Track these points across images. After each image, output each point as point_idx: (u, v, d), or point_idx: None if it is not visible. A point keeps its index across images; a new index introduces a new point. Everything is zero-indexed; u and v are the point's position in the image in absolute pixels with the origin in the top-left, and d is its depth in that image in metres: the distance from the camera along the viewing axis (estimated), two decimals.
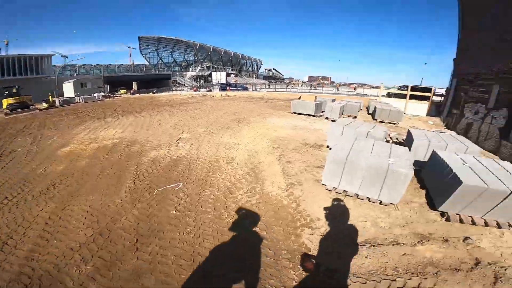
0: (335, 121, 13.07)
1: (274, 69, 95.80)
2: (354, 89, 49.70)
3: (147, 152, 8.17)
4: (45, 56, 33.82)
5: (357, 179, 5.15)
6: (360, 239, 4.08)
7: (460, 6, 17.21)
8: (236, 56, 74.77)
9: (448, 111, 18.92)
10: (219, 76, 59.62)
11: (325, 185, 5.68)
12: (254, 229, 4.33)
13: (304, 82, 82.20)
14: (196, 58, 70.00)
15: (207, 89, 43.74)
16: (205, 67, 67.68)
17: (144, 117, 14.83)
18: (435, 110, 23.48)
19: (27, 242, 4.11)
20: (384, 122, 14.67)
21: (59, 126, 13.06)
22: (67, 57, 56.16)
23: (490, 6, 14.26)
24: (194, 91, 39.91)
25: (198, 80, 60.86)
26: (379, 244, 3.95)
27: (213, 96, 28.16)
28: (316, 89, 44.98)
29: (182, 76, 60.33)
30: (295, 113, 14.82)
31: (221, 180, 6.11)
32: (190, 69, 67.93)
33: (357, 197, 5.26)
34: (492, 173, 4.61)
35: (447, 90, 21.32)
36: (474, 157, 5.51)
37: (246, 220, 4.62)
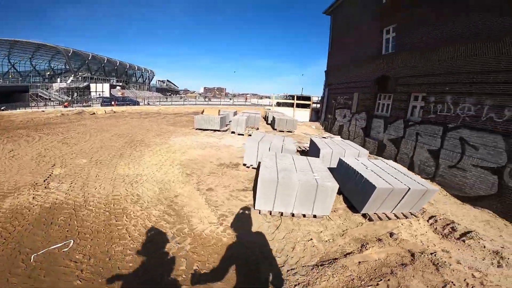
0: (242, 134, 12.97)
1: (168, 80, 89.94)
2: (246, 99, 53.67)
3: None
4: None
5: (291, 198, 5.07)
6: (317, 259, 4.02)
7: (331, 30, 21.06)
8: (123, 65, 64.98)
9: (324, 116, 22.50)
10: (100, 89, 49.71)
11: (259, 210, 5.20)
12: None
13: (200, 94, 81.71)
14: (67, 67, 55.69)
15: (85, 104, 35.33)
16: (80, 77, 54.89)
17: None
18: (315, 115, 27.99)
19: None
20: (283, 131, 15.94)
21: None
22: None
23: (346, 34, 18.26)
24: (65, 106, 31.12)
25: (71, 93, 48.37)
26: (334, 259, 3.97)
27: (93, 113, 22.59)
28: (210, 100, 45.14)
29: (47, 88, 46.28)
30: (199, 129, 13.70)
31: (132, 228, 4.54)
32: (59, 79, 53.16)
33: (292, 216, 5.20)
34: (389, 174, 5.32)
35: (322, 98, 25.65)
36: (368, 160, 6.35)
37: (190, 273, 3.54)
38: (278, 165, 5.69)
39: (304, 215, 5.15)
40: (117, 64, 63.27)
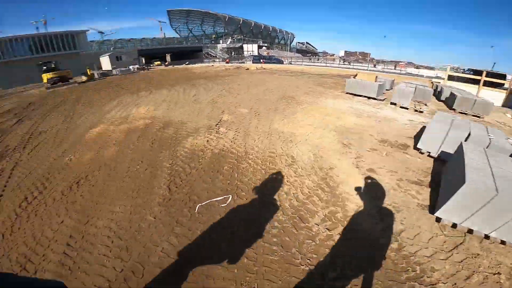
0: (406, 108, 10.59)
1: (307, 42, 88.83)
2: (401, 67, 43.16)
3: (183, 140, 6.77)
4: (80, 33, 34.30)
5: (503, 219, 3.38)
6: None
7: None
8: (267, 28, 69.96)
9: None
10: (250, 49, 56.66)
11: (440, 218, 3.84)
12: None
13: (340, 57, 75.47)
14: (226, 31, 66.96)
15: (240, 61, 41.30)
16: (235, 39, 64.66)
17: (178, 91, 13.57)
18: None
19: (47, 269, 3.12)
20: (466, 114, 11.68)
21: (93, 101, 12.37)
22: (103, 33, 57.32)
23: None
24: (227, 63, 37.90)
25: (230, 52, 58.51)
26: None
27: (247, 69, 25.99)
28: (350, 64, 39.95)
29: (213, 48, 58.31)
30: (350, 93, 12.35)
31: (284, 196, 4.45)
32: (221, 41, 65.23)
33: (486, 238, 3.61)
34: None
35: None
36: None
37: (327, 267, 3.05)
38: (493, 168, 3.87)
39: (503, 242, 3.51)
40: (262, 28, 68.49)
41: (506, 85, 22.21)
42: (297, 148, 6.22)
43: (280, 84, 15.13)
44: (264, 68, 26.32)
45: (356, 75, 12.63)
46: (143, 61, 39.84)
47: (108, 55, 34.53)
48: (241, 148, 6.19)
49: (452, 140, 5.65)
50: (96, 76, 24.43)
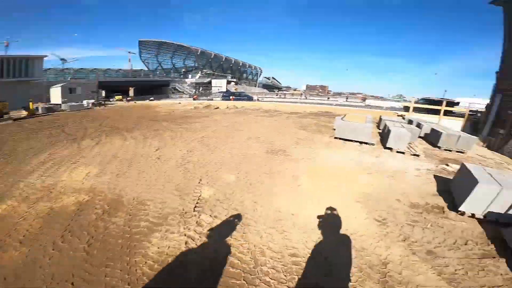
0: (402, 153, 9.56)
1: (273, 77, 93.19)
2: (364, 100, 46.17)
3: (142, 241, 4.16)
4: (36, 58, 29.90)
5: None
6: None
7: (506, 23, 15.20)
8: (237, 63, 71.63)
9: (489, 130, 17.32)
10: (219, 84, 56.27)
11: None
12: None
13: (303, 92, 79.98)
14: (196, 65, 66.77)
15: (208, 97, 40.11)
16: (204, 74, 64.46)
17: (136, 141, 10.79)
18: (470, 128, 20.89)
19: None
20: (450, 151, 11.23)
21: (16, 151, 9.13)
22: (65, 60, 52.36)
23: None
24: (195, 99, 36.16)
25: (197, 87, 57.29)
26: None
27: (217, 108, 24.32)
28: (305, 98, 41.50)
29: (182, 83, 56.71)
30: (340, 138, 11.12)
31: None
32: (190, 75, 64.33)
33: None
34: None
35: (488, 106, 19.47)
36: None
37: None
38: None
39: None
40: (232, 62, 70.10)
41: (460, 112, 23.97)
42: (324, 241, 4.21)
43: (260, 129, 13.28)
44: (236, 107, 25.01)
45: (345, 116, 11.63)
46: (103, 94, 35.74)
47: (61, 86, 29.77)
48: (246, 255, 3.88)
49: (501, 198, 4.81)
50: (39, 111, 20.57)
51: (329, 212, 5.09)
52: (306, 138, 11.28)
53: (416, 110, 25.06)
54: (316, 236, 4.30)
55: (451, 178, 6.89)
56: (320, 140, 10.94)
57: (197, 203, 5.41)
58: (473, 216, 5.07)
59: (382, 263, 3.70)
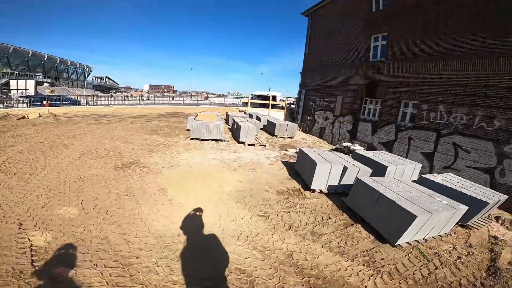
0: (253, 145, 10.63)
1: (107, 77, 78.06)
2: (206, 98, 48.53)
3: None
4: None
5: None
6: None
7: (309, 32, 20.53)
8: (52, 60, 52.65)
9: (301, 117, 21.73)
10: (23, 86, 39.12)
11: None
12: None
13: (146, 92, 73.83)
14: None
15: (6, 104, 26.70)
16: None
17: None
18: (289, 116, 27.07)
19: None
20: (283, 137, 14.12)
21: None
22: None
23: (327, 37, 17.85)
24: None
25: None
26: None
27: (23, 117, 16.38)
28: (148, 99, 39.25)
29: None
30: (196, 139, 10.64)
31: None
32: None
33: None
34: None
35: (298, 99, 24.53)
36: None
37: None
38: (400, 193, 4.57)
39: None
40: (45, 59, 51.19)
41: (282, 105, 30.60)
42: (224, 255, 3.50)
43: (99, 140, 9.96)
44: (56, 115, 18.16)
45: (197, 115, 11.22)
46: None
47: None
48: None
49: (333, 174, 6.24)
50: None
51: (217, 220, 4.50)
52: (161, 143, 9.83)
53: (252, 105, 29.53)
54: (217, 251, 3.60)
55: (294, 161, 8.37)
56: (176, 144, 9.93)
57: (32, 256, 3.13)
58: (321, 192, 6.20)
59: (288, 255, 3.70)
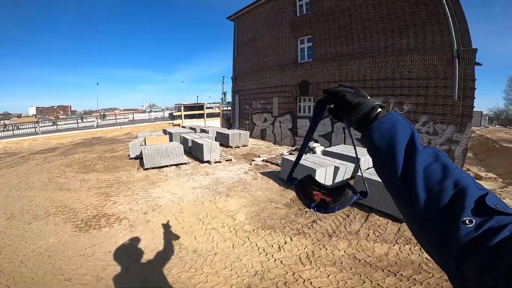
0: (219, 162, 10.04)
1: None
2: (116, 116, 42.01)
3: None
4: None
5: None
6: None
7: (236, 36, 20.85)
8: None
9: (239, 122, 21.86)
10: None
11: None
12: None
13: (35, 116, 59.61)
14: None
15: None
16: None
17: None
18: (226, 123, 26.79)
19: None
20: (238, 147, 13.93)
21: None
22: None
23: (255, 41, 18.71)
24: None
25: None
26: None
27: None
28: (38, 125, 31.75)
29: None
30: (152, 168, 9.10)
31: None
32: None
33: None
34: None
35: (232, 104, 24.15)
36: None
37: None
38: None
39: None
40: None
41: (216, 112, 29.71)
42: None
43: (14, 191, 6.81)
44: None
45: (145, 141, 9.63)
46: None
47: None
48: None
49: (329, 175, 6.78)
50: None
51: (269, 255, 3.75)
52: (112, 182, 7.71)
53: (186, 116, 27.64)
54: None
55: (270, 170, 8.39)
56: (132, 179, 8.01)
57: None
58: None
59: (353, 258, 3.59)
